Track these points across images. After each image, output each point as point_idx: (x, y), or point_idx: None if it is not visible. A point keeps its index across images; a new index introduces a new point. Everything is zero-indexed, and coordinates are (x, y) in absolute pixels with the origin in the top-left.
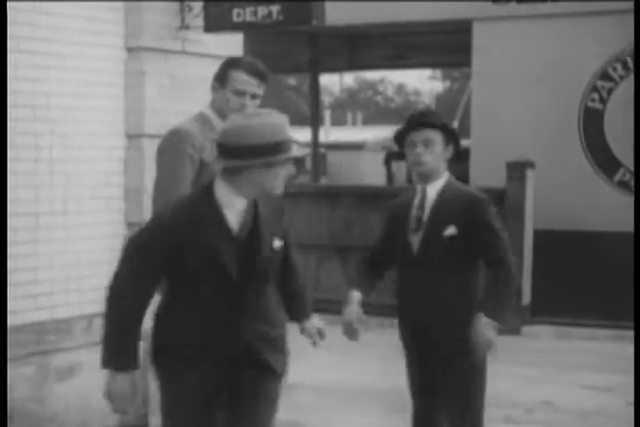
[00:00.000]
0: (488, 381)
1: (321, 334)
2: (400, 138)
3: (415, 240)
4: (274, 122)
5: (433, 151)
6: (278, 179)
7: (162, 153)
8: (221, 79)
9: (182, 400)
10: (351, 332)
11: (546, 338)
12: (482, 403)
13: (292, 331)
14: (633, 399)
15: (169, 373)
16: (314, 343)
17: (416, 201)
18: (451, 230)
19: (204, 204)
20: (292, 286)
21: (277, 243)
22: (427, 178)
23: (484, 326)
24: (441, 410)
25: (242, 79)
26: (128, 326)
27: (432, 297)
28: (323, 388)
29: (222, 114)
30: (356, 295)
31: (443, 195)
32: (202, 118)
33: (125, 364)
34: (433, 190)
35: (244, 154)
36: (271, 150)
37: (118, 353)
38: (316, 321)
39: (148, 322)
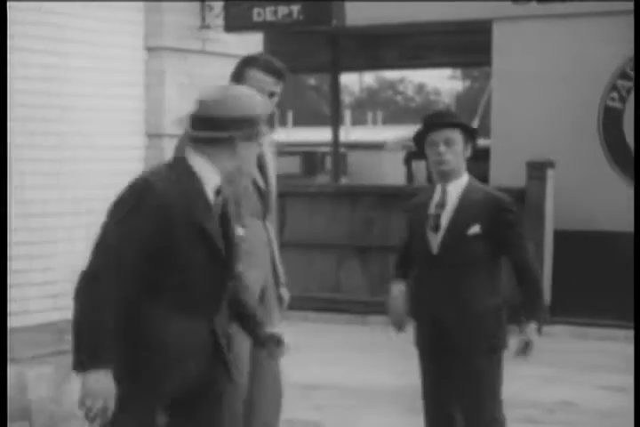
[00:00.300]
0: (507, 381)
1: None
2: (419, 138)
3: (435, 239)
4: (252, 94)
5: (454, 150)
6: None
7: None
8: (238, 77)
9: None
10: (400, 322)
11: (564, 338)
12: (500, 401)
13: (305, 329)
14: None
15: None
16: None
17: (435, 200)
18: (475, 229)
19: (185, 178)
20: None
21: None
22: (448, 177)
23: (531, 330)
24: (455, 411)
25: (258, 77)
26: (109, 320)
27: (454, 297)
28: (341, 388)
29: None
30: (399, 286)
31: (466, 194)
32: None
33: (110, 358)
34: (454, 189)
35: (230, 125)
36: (255, 122)
37: (105, 348)
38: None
39: None
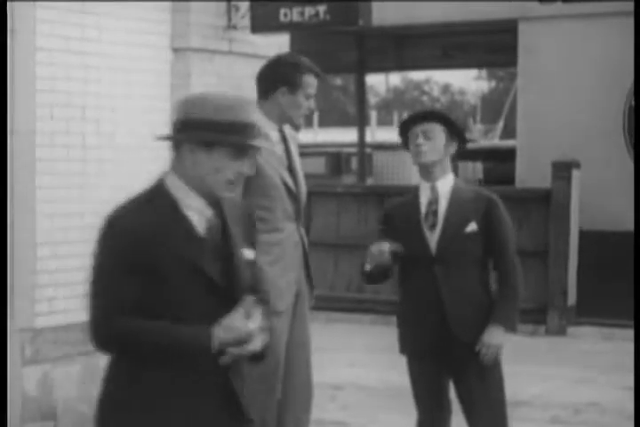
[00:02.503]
0: (533, 382)
1: None
2: (403, 132)
3: (432, 238)
4: (247, 100)
5: (433, 144)
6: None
7: None
8: (294, 84)
9: None
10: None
11: (591, 339)
12: (504, 402)
13: (331, 329)
14: None
15: None
16: None
17: (426, 198)
18: (472, 226)
19: (162, 208)
20: None
21: (249, 253)
22: (431, 174)
23: (495, 331)
24: (449, 417)
25: (312, 83)
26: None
27: (454, 295)
28: (367, 388)
29: (287, 119)
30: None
31: (456, 192)
32: None
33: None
34: (443, 187)
35: (216, 129)
36: (248, 132)
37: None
38: None
39: None
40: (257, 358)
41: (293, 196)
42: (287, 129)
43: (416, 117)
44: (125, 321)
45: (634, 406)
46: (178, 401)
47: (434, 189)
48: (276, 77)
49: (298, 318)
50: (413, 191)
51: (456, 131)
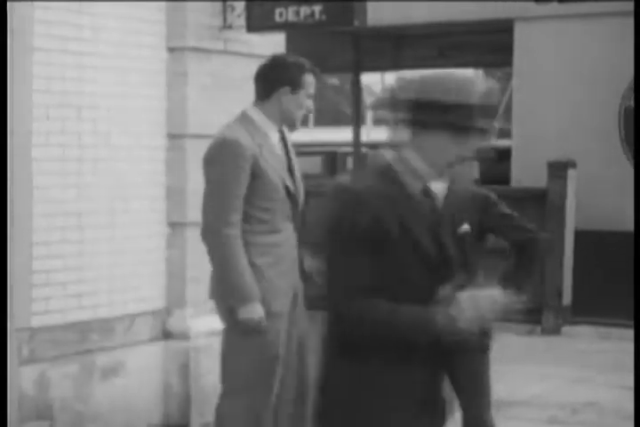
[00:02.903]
0: (531, 381)
1: None
2: None
3: None
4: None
5: None
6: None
7: (210, 165)
8: (297, 84)
9: None
10: None
11: (587, 338)
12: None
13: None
14: None
15: None
16: None
17: None
18: (465, 227)
19: (391, 186)
20: None
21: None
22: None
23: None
24: None
25: (311, 82)
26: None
27: None
28: None
29: (287, 119)
30: None
31: (451, 193)
32: (248, 122)
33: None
34: (436, 190)
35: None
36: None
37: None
38: None
39: None
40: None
41: (292, 197)
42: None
43: None
44: (366, 301)
45: (634, 406)
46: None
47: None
48: (278, 77)
49: (296, 319)
50: None
51: None
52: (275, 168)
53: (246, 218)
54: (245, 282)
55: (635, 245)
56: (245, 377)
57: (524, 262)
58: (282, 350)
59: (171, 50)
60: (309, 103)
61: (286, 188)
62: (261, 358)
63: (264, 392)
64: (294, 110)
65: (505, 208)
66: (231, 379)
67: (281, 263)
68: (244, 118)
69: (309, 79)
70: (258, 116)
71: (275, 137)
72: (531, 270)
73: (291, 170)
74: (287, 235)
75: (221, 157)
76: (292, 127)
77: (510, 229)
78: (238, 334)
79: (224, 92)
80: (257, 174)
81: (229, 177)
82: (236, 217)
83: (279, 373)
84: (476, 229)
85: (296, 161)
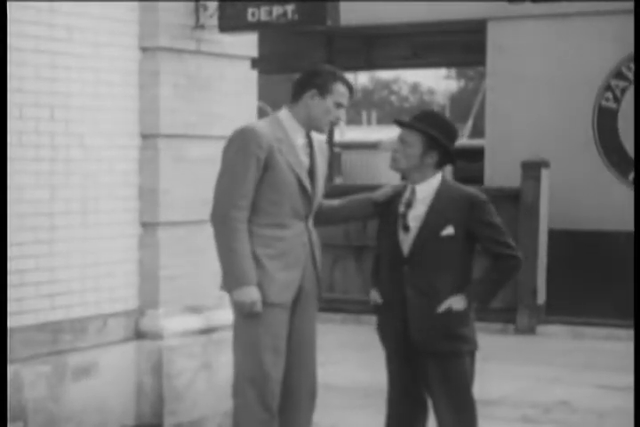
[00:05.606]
0: (504, 380)
1: None
2: None
3: (405, 240)
4: None
5: (407, 152)
6: None
7: (227, 150)
8: (324, 89)
9: None
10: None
11: (561, 338)
12: (472, 405)
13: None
14: None
15: None
16: None
17: (406, 199)
18: (449, 230)
19: None
20: None
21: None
22: (408, 176)
23: (459, 298)
24: (422, 414)
25: (343, 92)
26: None
27: (420, 298)
28: (337, 387)
29: (313, 122)
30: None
31: (439, 195)
32: (275, 121)
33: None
34: (422, 191)
35: None
36: None
37: None
38: None
39: None
40: None
41: (308, 197)
42: (316, 137)
43: (397, 123)
44: None
45: (634, 407)
46: None
47: (413, 193)
48: (308, 81)
49: (301, 315)
50: (402, 189)
51: (435, 143)
52: (290, 163)
53: (254, 209)
54: (244, 265)
55: (635, 246)
56: (248, 368)
57: (495, 278)
58: (282, 342)
59: (143, 49)
60: (339, 113)
61: (302, 186)
62: (259, 348)
63: (254, 366)
64: (320, 115)
65: (493, 217)
66: (237, 369)
67: (283, 257)
68: (272, 118)
69: (341, 89)
70: (286, 117)
71: (300, 139)
72: (499, 287)
73: (313, 173)
74: (295, 232)
75: (236, 142)
76: (319, 132)
77: (494, 243)
78: (242, 324)
79: (197, 91)
80: (270, 165)
81: (240, 161)
82: (245, 202)
83: (280, 364)
84: (463, 230)
85: (322, 168)
